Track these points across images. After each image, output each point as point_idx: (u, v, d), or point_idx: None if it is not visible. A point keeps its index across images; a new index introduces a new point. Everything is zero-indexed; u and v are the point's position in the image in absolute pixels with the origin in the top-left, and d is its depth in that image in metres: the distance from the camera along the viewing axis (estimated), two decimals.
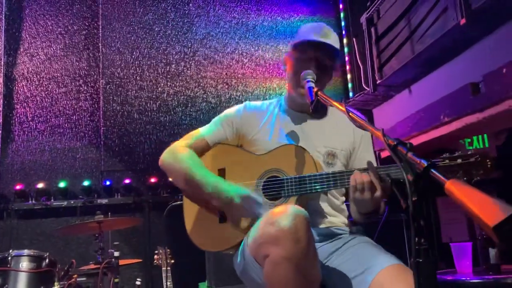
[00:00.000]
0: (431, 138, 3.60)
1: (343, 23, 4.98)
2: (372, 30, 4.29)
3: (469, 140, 4.56)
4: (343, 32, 4.98)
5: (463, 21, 2.54)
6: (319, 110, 1.95)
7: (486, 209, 0.78)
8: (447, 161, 1.53)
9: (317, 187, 1.68)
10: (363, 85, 4.54)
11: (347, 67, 4.93)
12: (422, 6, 3.42)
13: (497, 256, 2.18)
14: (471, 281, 2.10)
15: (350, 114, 1.34)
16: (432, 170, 0.91)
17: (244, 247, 1.65)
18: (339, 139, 1.91)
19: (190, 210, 1.90)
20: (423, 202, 0.88)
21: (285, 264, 1.36)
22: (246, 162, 1.80)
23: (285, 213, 1.41)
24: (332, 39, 1.88)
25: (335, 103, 1.48)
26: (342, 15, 4.99)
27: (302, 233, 1.38)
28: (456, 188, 0.84)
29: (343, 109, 1.39)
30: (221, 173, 1.90)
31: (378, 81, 4.21)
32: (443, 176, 0.91)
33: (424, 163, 0.93)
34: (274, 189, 1.76)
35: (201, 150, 1.95)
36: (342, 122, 1.93)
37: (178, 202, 2.04)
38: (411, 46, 3.68)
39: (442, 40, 3.04)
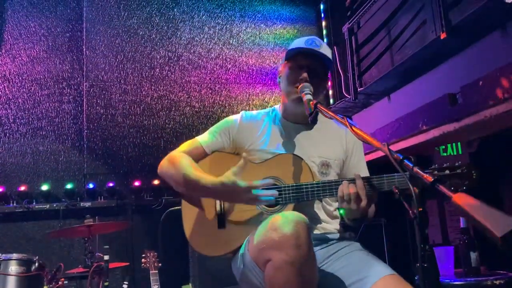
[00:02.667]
0: (409, 145, 3.73)
1: (324, 31, 5.11)
2: (353, 38, 4.41)
3: (443, 147, 4.73)
4: (325, 40, 5.10)
5: (443, 35, 2.67)
6: (314, 120, 2.01)
7: (493, 221, 0.87)
8: (435, 172, 1.63)
9: (314, 195, 1.75)
10: (344, 92, 4.66)
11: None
12: (402, 17, 3.55)
13: (477, 260, 2.31)
14: (453, 283, 2.23)
15: (353, 128, 1.42)
16: (439, 184, 1.00)
17: (245, 251, 1.71)
18: (332, 148, 1.98)
19: (189, 216, 1.94)
20: (427, 212, 0.97)
21: (287, 268, 1.43)
22: (244, 170, 1.87)
23: (287, 220, 1.49)
24: (323, 49, 1.95)
25: (336, 116, 1.56)
26: (323, 23, 5.12)
27: (303, 239, 1.46)
28: (463, 201, 0.93)
29: (346, 122, 1.47)
30: None
31: (359, 89, 4.32)
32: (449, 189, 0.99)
33: (431, 178, 1.02)
34: None
35: (198, 158, 1.99)
36: (333, 131, 2.02)
37: (177, 208, 2.08)
38: (390, 56, 3.80)
39: (421, 53, 3.16)
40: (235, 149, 2.04)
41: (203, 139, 2.03)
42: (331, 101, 5.00)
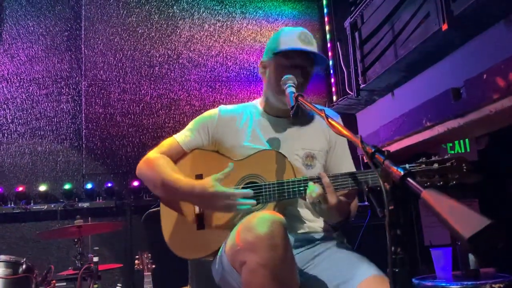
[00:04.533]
0: (414, 142, 3.63)
1: (327, 27, 5.00)
2: (356, 34, 4.32)
3: (450, 144, 4.61)
4: (327, 36, 5.00)
5: (445, 27, 2.57)
6: (296, 113, 1.94)
7: (462, 220, 0.78)
8: (423, 165, 1.54)
9: (295, 192, 1.67)
10: (347, 89, 4.56)
11: (331, 71, 4.95)
12: (405, 11, 3.45)
13: (476, 262, 2.20)
14: (450, 286, 2.12)
15: (329, 120, 1.34)
16: (408, 179, 0.90)
17: (222, 253, 1.63)
18: (317, 140, 1.91)
19: (168, 218, 1.87)
20: (399, 211, 0.88)
21: (261, 271, 1.35)
22: (224, 167, 1.79)
23: (262, 219, 1.41)
24: (315, 46, 1.88)
25: (315, 109, 1.48)
26: (326, 19, 5.01)
27: (279, 239, 1.37)
28: (432, 198, 0.83)
29: (323, 114, 1.38)
30: (199, 179, 1.87)
31: (362, 86, 4.23)
32: (420, 184, 0.90)
33: (401, 172, 0.92)
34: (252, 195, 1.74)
35: (176, 157, 1.93)
36: (317, 123, 1.95)
37: (156, 209, 2.02)
38: (394, 51, 3.70)
39: (424, 46, 3.07)
40: (215, 145, 1.96)
41: (181, 137, 1.96)
42: (334, 98, 4.90)
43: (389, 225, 0.89)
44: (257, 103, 2.05)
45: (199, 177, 1.87)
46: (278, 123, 1.94)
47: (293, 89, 1.68)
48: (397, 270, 0.89)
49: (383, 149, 1.01)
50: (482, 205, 3.75)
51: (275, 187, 1.70)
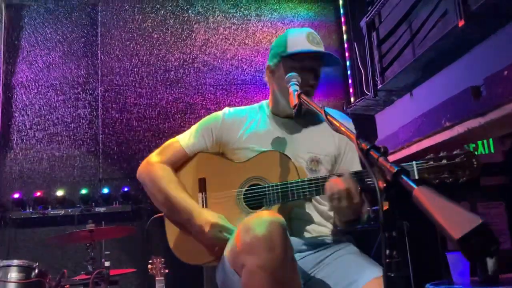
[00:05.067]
0: (434, 143, 3.53)
1: (344, 28, 4.92)
2: (374, 34, 4.24)
3: (473, 145, 4.47)
4: (344, 37, 4.92)
5: (461, 23, 2.48)
6: (304, 115, 1.85)
7: (453, 219, 0.71)
8: (431, 162, 1.47)
9: (300, 193, 1.62)
10: (365, 90, 4.48)
11: (348, 72, 4.87)
12: (423, 9, 3.37)
13: (495, 267, 2.08)
14: None
15: (328, 117, 1.28)
16: (402, 176, 0.84)
17: (224, 257, 1.60)
18: (323, 144, 1.84)
19: (171, 223, 1.85)
20: (395, 211, 0.82)
21: (260, 274, 1.31)
22: (227, 170, 1.75)
23: (260, 220, 1.37)
24: (322, 46, 1.84)
25: (315, 106, 1.42)
26: (343, 19, 4.94)
27: (277, 240, 1.33)
28: (424, 196, 0.77)
29: (322, 112, 1.32)
30: (202, 183, 1.84)
31: (379, 86, 4.15)
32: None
33: (394, 168, 0.85)
34: (256, 198, 1.71)
35: (179, 161, 1.90)
36: (326, 125, 1.87)
37: (160, 214, 2.00)
38: (412, 49, 3.62)
39: (441, 43, 2.98)
40: (219, 148, 1.92)
41: (184, 140, 1.92)
42: (352, 99, 4.81)
43: (383, 226, 0.83)
44: (265, 104, 2.00)
45: (202, 181, 1.84)
46: (285, 125, 1.89)
47: (297, 87, 1.63)
48: (392, 275, 0.82)
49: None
50: (509, 208, 3.62)
51: (279, 189, 1.65)
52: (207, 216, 1.69)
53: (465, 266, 2.12)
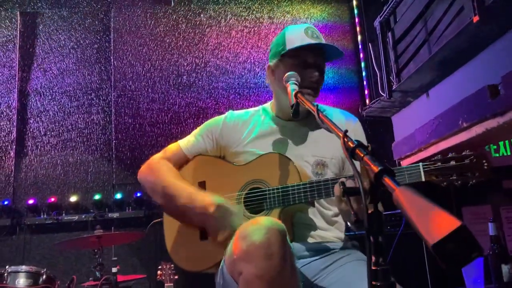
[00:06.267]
0: (451, 145, 3.42)
1: (358, 28, 4.83)
2: (389, 34, 4.15)
3: (495, 147, 4.31)
4: (359, 38, 4.82)
5: (476, 19, 2.38)
6: (309, 116, 1.80)
7: (430, 223, 0.64)
8: (439, 163, 1.38)
9: (301, 197, 1.54)
10: (380, 91, 4.38)
11: (364, 74, 4.77)
12: (438, 7, 3.27)
13: (510, 273, 1.96)
14: None
15: (320, 115, 1.21)
16: (385, 176, 0.77)
17: (223, 264, 1.54)
18: (329, 147, 1.75)
19: (170, 228, 1.80)
20: (381, 215, 0.75)
21: (257, 283, 1.24)
22: (227, 173, 1.69)
23: (257, 227, 1.30)
24: (323, 40, 1.76)
25: (309, 105, 1.35)
26: (357, 20, 4.84)
27: (275, 248, 1.26)
28: (404, 197, 0.70)
29: (314, 109, 1.26)
30: (201, 186, 1.80)
31: (394, 87, 4.06)
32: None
33: (378, 167, 0.78)
34: (256, 202, 1.65)
35: (179, 163, 1.87)
36: None
37: (160, 219, 1.96)
38: (428, 48, 3.51)
39: (456, 40, 2.88)
40: (220, 151, 1.88)
41: (184, 142, 1.91)
42: (367, 101, 4.71)
43: (368, 231, 0.76)
44: (268, 106, 1.94)
45: (202, 184, 1.80)
46: (289, 128, 1.83)
47: (295, 87, 1.56)
48: (378, 284, 0.75)
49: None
50: None
51: (279, 192, 1.59)
52: (210, 197, 1.62)
53: (479, 273, 2.01)
